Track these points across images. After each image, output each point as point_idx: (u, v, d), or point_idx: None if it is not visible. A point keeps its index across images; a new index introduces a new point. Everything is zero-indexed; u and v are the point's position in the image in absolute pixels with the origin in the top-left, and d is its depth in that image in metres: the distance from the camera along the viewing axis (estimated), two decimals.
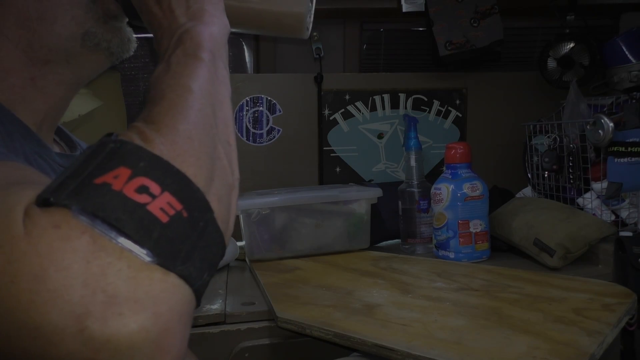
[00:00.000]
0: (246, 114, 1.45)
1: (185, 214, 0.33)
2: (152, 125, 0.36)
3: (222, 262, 1.12)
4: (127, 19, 0.59)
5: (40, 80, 0.55)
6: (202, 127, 0.38)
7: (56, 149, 0.61)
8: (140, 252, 0.30)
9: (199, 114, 0.38)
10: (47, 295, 0.28)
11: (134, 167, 0.32)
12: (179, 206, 0.32)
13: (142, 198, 0.31)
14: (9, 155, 0.40)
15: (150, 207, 0.31)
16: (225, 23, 0.47)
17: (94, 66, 0.59)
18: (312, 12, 0.58)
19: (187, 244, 0.32)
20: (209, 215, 0.35)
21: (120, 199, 0.31)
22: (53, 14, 0.54)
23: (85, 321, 0.28)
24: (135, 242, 0.30)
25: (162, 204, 0.32)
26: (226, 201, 0.38)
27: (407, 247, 1.21)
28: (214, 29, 0.45)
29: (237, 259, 1.20)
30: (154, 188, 0.32)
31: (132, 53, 0.60)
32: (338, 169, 1.52)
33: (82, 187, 0.31)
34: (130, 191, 0.31)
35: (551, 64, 1.46)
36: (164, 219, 0.31)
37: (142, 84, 1.45)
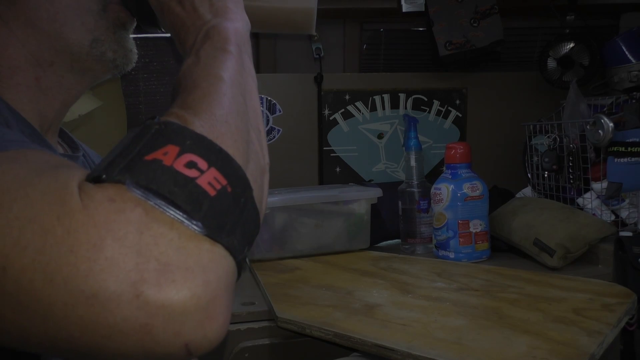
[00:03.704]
0: None
1: (229, 189, 0.34)
2: (189, 110, 0.38)
3: None
4: (134, 27, 0.59)
5: (44, 82, 0.56)
6: (236, 113, 0.40)
7: (60, 151, 0.61)
8: (190, 224, 0.32)
9: (232, 101, 0.40)
10: (105, 263, 0.29)
11: (182, 145, 0.34)
12: (224, 181, 0.34)
13: (192, 172, 0.33)
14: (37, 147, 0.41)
15: (199, 181, 0.33)
16: (247, 20, 0.49)
17: (96, 75, 0.59)
18: (316, 7, 0.59)
19: (232, 217, 0.34)
20: (248, 192, 0.37)
21: (171, 173, 0.32)
22: (64, 16, 0.54)
23: (140, 287, 0.29)
24: (186, 213, 0.32)
25: (210, 179, 0.33)
26: (260, 182, 0.40)
27: (407, 247, 1.21)
28: (238, 25, 0.46)
29: None
30: (202, 164, 0.34)
31: (133, 65, 0.60)
32: (338, 169, 1.52)
33: (133, 163, 0.32)
34: (180, 166, 0.33)
35: (551, 64, 1.46)
36: (212, 192, 0.33)
37: (142, 84, 1.45)
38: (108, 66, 0.58)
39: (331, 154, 1.51)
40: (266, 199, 0.43)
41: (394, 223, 1.25)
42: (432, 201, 1.14)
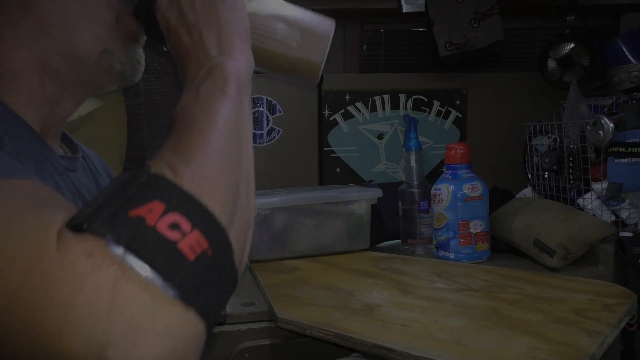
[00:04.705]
0: None
1: (209, 253, 0.34)
2: (181, 158, 0.37)
3: None
4: (144, 40, 0.59)
5: (49, 88, 0.55)
6: (229, 164, 0.40)
7: (60, 152, 0.61)
8: (165, 288, 0.31)
9: (226, 150, 0.40)
10: (74, 323, 0.29)
11: (168, 202, 0.34)
12: (205, 245, 0.34)
13: (174, 235, 0.32)
14: (26, 172, 0.40)
15: (180, 245, 0.32)
16: (251, 60, 0.48)
17: (102, 84, 0.59)
18: (325, 59, 0.58)
19: (208, 281, 0.34)
20: (229, 254, 0.36)
21: (153, 235, 0.32)
22: (74, 24, 0.53)
23: (106, 351, 0.29)
24: (163, 277, 0.31)
25: (192, 242, 0.33)
26: (243, 240, 0.40)
27: (407, 247, 1.21)
28: (242, 66, 0.46)
29: None
30: (185, 225, 0.33)
31: (140, 76, 0.60)
32: (338, 170, 1.52)
33: (116, 217, 0.32)
34: (163, 227, 0.32)
35: (551, 64, 1.46)
36: (191, 257, 0.33)
37: (143, 84, 1.45)
38: (115, 78, 0.57)
39: (331, 155, 1.51)
40: (247, 253, 0.42)
41: (394, 223, 1.25)
42: (432, 202, 1.14)
